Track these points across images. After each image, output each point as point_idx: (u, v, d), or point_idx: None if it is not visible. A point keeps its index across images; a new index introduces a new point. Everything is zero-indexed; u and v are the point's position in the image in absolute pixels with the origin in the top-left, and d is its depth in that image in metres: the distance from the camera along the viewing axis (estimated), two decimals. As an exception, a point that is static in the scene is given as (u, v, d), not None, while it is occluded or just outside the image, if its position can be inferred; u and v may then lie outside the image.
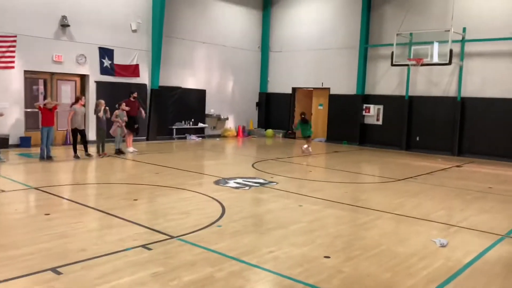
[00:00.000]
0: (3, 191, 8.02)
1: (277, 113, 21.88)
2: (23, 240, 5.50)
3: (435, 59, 15.07)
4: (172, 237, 5.71)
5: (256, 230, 6.23)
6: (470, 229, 6.65)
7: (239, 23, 20.97)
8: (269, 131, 21.52)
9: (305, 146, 14.94)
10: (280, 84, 21.71)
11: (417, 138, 17.43)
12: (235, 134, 20.91)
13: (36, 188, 8.34)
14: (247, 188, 9.00)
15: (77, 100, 12.24)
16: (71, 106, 12.29)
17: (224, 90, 20.70)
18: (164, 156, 13.62)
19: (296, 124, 16.12)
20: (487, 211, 7.85)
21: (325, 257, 5.19)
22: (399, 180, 10.73)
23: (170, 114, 18.30)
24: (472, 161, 14.85)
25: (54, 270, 4.49)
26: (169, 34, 17.88)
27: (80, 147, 12.24)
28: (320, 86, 20.27)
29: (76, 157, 11.93)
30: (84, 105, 12.56)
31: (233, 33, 20.68)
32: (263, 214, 7.20)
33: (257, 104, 22.37)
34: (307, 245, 5.59)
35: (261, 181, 9.80)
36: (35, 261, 4.75)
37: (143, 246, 5.31)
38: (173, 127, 18.41)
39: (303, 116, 15.23)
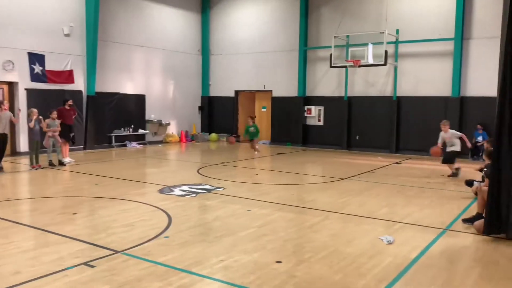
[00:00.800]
0: None
1: (220, 117, 21.72)
2: None
3: (371, 60, 15.60)
4: (116, 251, 5.40)
5: (205, 239, 6.04)
6: (413, 224, 6.86)
7: (177, 26, 20.60)
8: (213, 135, 21.32)
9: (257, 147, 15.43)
10: (222, 88, 21.57)
11: (357, 137, 17.96)
12: (178, 140, 20.49)
13: (-39, 207, 7.64)
14: (193, 195, 8.78)
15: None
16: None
17: (165, 94, 20.24)
18: (104, 166, 13.03)
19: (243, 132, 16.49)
20: (428, 206, 8.16)
21: (277, 262, 5.12)
22: (343, 179, 10.94)
23: (108, 121, 17.59)
24: (409, 157, 15.50)
25: (-17, 298, 4.08)
26: (105, 38, 17.21)
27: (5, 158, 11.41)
28: (263, 89, 20.36)
29: (1, 169, 11.16)
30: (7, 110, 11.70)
31: (172, 36, 20.28)
32: (211, 221, 7.02)
33: (200, 108, 22.09)
34: (258, 251, 5.49)
35: (208, 187, 9.61)
36: (-39, 289, 4.29)
37: (85, 263, 4.97)
38: (112, 134, 17.71)
39: (253, 119, 15.61)
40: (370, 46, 15.54)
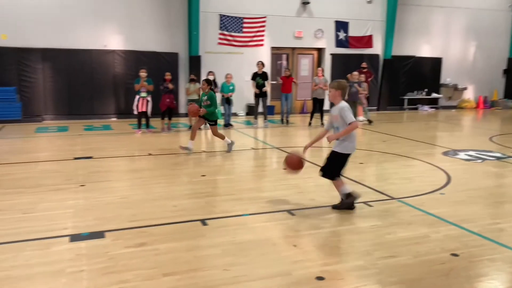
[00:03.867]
0: (252, 148, 9.71)
1: (530, 82, 18.98)
2: (266, 186, 6.72)
3: None
4: (392, 198, 6.02)
5: (482, 201, 5.95)
6: None
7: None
8: (519, 102, 18.91)
9: None
10: (536, 48, 18.68)
11: None
12: (474, 106, 19.14)
13: (278, 148, 9.73)
14: (479, 161, 8.45)
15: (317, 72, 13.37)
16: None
17: (464, 57, 19.06)
18: (393, 126, 13.69)
19: None
20: None
21: None
22: None
23: (402, 84, 18.03)
24: None
25: (289, 211, 5.40)
26: (405, 2, 17.43)
27: (317, 115, 13.41)
28: None
29: (310, 124, 13.21)
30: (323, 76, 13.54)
31: (478, -7, 18.67)
32: (494, 187, 6.74)
33: (505, 72, 19.81)
34: (542, 223, 5.10)
35: (499, 155, 9.00)
36: (274, 203, 5.78)
37: (365, 202, 5.78)
38: (405, 97, 18.11)
39: None
40: None
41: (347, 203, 5.46)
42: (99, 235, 4.60)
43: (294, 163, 5.65)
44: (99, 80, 14.05)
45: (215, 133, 9.17)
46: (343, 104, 5.33)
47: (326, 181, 7.04)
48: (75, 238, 4.51)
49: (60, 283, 3.59)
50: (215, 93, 9.33)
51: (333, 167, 5.48)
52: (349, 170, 7.53)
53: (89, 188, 6.35)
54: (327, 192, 6.31)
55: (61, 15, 13.52)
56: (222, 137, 9.15)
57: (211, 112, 8.97)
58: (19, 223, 4.92)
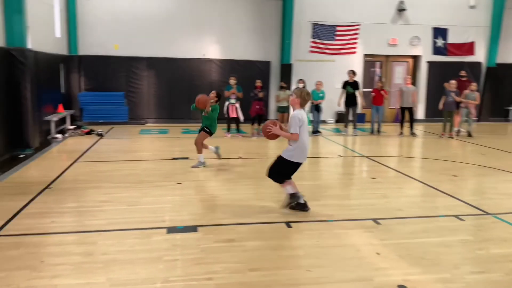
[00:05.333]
0: (340, 156, 9.73)
1: None
2: (353, 194, 6.75)
3: None
4: (487, 213, 5.72)
5: None
6: None
7: None
8: None
9: None
10: None
11: None
12: None
13: (367, 157, 9.64)
14: None
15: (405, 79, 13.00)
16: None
17: None
18: (495, 138, 12.78)
19: None
20: None
21: None
22: None
23: (507, 94, 16.74)
24: None
25: (375, 220, 5.39)
26: (512, 6, 16.25)
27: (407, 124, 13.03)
28: None
29: (401, 134, 12.84)
30: (413, 84, 13.15)
31: None
32: None
33: None
34: None
35: None
36: (360, 211, 5.80)
37: (456, 216, 5.58)
38: (509, 108, 16.78)
39: None
40: None
41: (293, 203, 5.62)
42: (192, 229, 5.00)
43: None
44: (197, 87, 14.91)
45: (197, 141, 8.22)
46: (296, 112, 5.44)
47: (416, 192, 6.93)
48: (171, 230, 4.95)
49: (157, 269, 4.00)
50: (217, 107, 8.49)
51: (278, 170, 5.59)
52: (441, 182, 7.30)
53: (185, 186, 6.87)
54: (416, 204, 6.19)
55: (166, 27, 14.63)
56: (200, 151, 8.21)
57: (207, 122, 8.25)
58: (125, 214, 5.51)
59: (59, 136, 11.32)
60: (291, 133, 5.41)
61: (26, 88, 9.26)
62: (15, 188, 6.63)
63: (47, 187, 6.65)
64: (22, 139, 9.35)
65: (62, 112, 12.35)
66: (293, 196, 5.62)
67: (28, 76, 9.25)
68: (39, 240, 4.62)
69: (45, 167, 8.13)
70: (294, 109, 5.61)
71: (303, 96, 5.47)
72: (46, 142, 10.54)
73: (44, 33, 11.55)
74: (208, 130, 8.29)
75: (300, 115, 5.43)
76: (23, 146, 9.31)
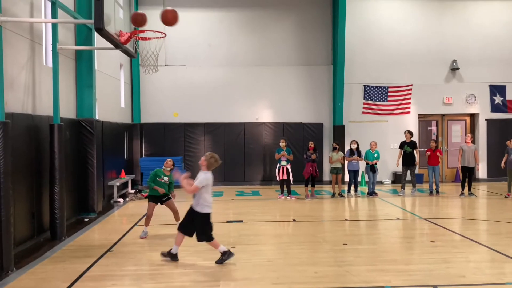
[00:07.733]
0: (397, 218, 9.45)
1: None
2: (412, 259, 6.49)
3: None
4: (561, 281, 5.30)
5: None
6: None
7: None
8: None
9: None
10: None
11: None
12: None
13: (426, 219, 9.29)
14: None
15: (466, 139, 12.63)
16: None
17: None
18: None
19: None
20: None
21: None
22: None
23: None
24: None
25: (435, 287, 5.14)
26: None
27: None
28: None
29: (462, 194, 12.30)
30: (473, 143, 12.71)
31: None
32: None
33: None
34: None
35: None
36: (419, 277, 5.56)
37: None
38: None
39: None
40: None
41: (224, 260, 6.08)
42: (246, 294, 5.01)
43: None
44: (250, 149, 15.31)
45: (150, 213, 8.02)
46: (203, 174, 6.04)
47: (479, 256, 6.56)
48: (225, 295, 4.98)
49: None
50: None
51: (204, 229, 6.08)
52: (508, 246, 6.89)
53: (239, 249, 6.91)
54: (480, 270, 5.85)
55: (222, 94, 15.39)
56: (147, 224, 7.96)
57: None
58: (182, 277, 5.63)
59: (120, 200, 11.88)
60: (192, 185, 5.95)
61: (93, 156, 9.95)
62: (79, 251, 6.99)
63: (108, 250, 6.95)
64: (88, 203, 9.91)
65: (124, 177, 13.02)
66: (225, 254, 6.14)
67: (95, 144, 9.97)
68: (100, 303, 4.81)
69: (107, 230, 8.53)
70: (201, 170, 6.14)
71: (211, 162, 6.12)
72: (109, 206, 11.10)
73: (110, 105, 12.52)
74: (150, 197, 8.17)
75: (206, 176, 6.05)
76: (88, 210, 9.86)
